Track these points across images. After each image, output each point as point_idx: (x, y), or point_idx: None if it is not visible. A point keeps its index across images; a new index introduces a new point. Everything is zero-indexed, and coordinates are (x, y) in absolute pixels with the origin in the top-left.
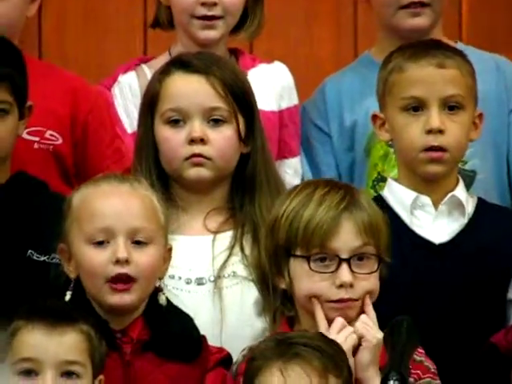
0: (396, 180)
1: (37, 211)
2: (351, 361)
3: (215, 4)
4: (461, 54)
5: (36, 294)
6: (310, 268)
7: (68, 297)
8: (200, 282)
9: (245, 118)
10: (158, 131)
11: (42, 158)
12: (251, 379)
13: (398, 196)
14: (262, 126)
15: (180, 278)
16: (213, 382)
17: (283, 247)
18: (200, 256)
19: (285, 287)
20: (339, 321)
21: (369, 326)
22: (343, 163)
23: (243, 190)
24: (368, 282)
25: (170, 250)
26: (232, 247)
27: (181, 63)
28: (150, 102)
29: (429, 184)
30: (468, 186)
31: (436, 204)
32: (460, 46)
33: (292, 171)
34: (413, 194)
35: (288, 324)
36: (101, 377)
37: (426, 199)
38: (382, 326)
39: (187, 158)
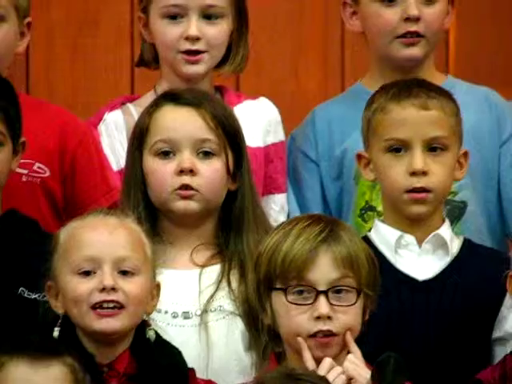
0: (382, 220)
1: (29, 249)
2: None
3: (198, 38)
4: (444, 94)
5: (26, 331)
6: (287, 300)
7: (56, 333)
8: (186, 315)
9: (233, 153)
10: (147, 163)
11: (30, 191)
12: None
13: (383, 235)
14: (249, 164)
15: (166, 311)
16: None
17: (264, 281)
18: (186, 290)
19: (269, 322)
20: (327, 361)
21: (358, 366)
22: (331, 192)
23: (230, 226)
24: (347, 315)
25: (159, 286)
26: (219, 281)
27: (171, 97)
28: (139, 135)
29: (414, 223)
30: (458, 218)
31: (420, 243)
32: (450, 79)
33: (278, 207)
34: (397, 233)
35: (277, 360)
36: None
37: (410, 238)
38: (367, 362)
39: (176, 189)
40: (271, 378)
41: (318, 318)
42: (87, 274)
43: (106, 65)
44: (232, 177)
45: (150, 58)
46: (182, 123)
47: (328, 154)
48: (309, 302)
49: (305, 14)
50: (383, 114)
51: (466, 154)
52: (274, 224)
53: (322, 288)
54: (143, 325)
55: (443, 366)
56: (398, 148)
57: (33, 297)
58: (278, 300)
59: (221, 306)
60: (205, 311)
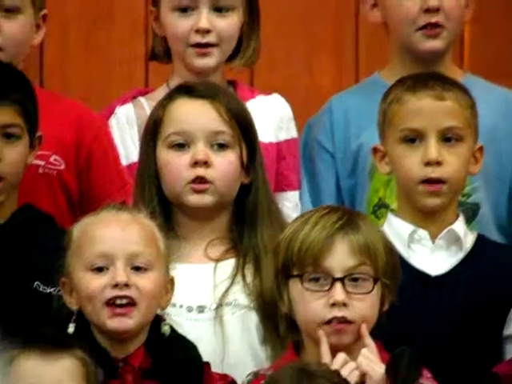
0: (395, 213)
1: (44, 244)
2: None
3: (209, 31)
4: (460, 87)
5: (40, 325)
6: (303, 286)
7: (71, 329)
8: (201, 310)
9: (247, 146)
10: (161, 156)
11: (47, 183)
12: None
13: (396, 229)
14: (262, 158)
15: (181, 305)
16: None
17: (282, 269)
18: (201, 284)
19: (286, 311)
20: (341, 356)
21: (372, 362)
22: (345, 187)
23: (244, 220)
24: (363, 303)
25: (173, 281)
26: (234, 275)
27: (185, 89)
28: (153, 128)
29: (427, 217)
30: (471, 219)
31: (434, 238)
32: (468, 76)
33: (292, 204)
34: (410, 228)
35: (294, 349)
36: None
37: (423, 233)
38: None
39: (190, 182)
40: (285, 375)
41: (334, 304)
42: (100, 270)
43: (121, 58)
44: (245, 170)
45: (161, 52)
46: (195, 115)
47: (344, 147)
48: (325, 288)
49: (319, 8)
50: (399, 105)
51: (481, 149)
52: (288, 221)
53: (338, 275)
54: (158, 320)
55: (456, 362)
56: (413, 138)
57: (48, 291)
58: (295, 287)
59: (236, 300)
60: (220, 305)
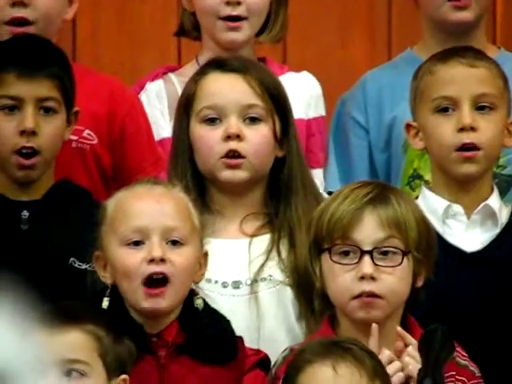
0: (429, 187)
1: (80, 219)
2: None
3: (239, 3)
4: (491, 59)
5: (76, 301)
6: (332, 259)
7: (106, 303)
8: (236, 285)
9: (280, 119)
10: (194, 130)
11: (81, 158)
12: (296, 372)
13: (430, 204)
14: (296, 131)
15: (216, 281)
16: None
17: (314, 243)
18: (236, 260)
19: (319, 286)
20: (386, 354)
21: (418, 363)
22: (379, 161)
23: (279, 194)
24: (392, 276)
25: (207, 255)
26: (269, 251)
27: (217, 64)
28: (186, 103)
29: (462, 189)
30: (506, 191)
31: (469, 213)
32: (503, 52)
33: (319, 182)
34: (445, 203)
35: (330, 323)
36: (123, 377)
37: (458, 208)
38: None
39: (223, 156)
40: (313, 344)
41: (362, 278)
42: (136, 244)
43: (153, 34)
44: (279, 144)
45: (190, 27)
46: (228, 89)
47: (377, 121)
48: (354, 262)
49: None
50: (430, 76)
51: None
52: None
53: (366, 248)
54: (191, 294)
55: (489, 339)
56: (446, 107)
57: (83, 267)
58: (326, 261)
59: (271, 276)
60: (255, 281)
